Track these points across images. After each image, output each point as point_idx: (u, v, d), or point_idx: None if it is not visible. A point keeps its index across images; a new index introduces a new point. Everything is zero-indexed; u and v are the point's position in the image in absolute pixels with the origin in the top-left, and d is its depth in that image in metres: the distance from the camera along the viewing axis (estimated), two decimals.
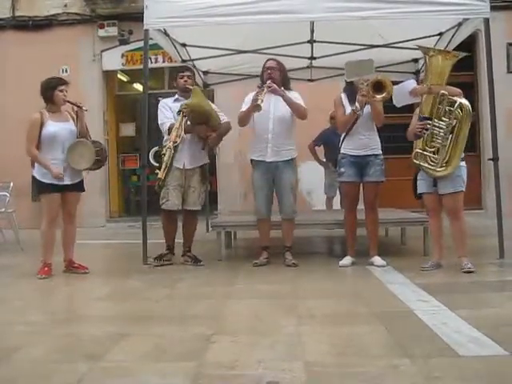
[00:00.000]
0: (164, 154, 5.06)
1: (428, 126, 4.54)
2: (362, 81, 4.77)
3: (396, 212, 6.51)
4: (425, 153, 4.61)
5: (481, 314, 3.35)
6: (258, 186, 5.26)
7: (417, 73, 7.78)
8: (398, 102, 4.80)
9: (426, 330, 3.02)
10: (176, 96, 5.41)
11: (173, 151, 5.05)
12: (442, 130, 4.52)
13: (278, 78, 5.15)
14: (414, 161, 4.67)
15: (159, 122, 5.33)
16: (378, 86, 4.71)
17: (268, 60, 5.35)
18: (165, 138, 5.34)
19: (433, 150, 4.58)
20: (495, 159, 5.25)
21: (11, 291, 4.56)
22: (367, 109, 4.88)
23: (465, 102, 4.49)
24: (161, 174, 5.02)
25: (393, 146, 9.37)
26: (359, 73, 4.82)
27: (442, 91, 4.46)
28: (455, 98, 4.48)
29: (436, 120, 4.53)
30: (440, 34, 6.39)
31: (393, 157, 8.43)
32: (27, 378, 2.52)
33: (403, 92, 4.70)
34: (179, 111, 5.11)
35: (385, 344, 2.82)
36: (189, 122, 5.14)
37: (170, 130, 5.16)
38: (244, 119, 5.16)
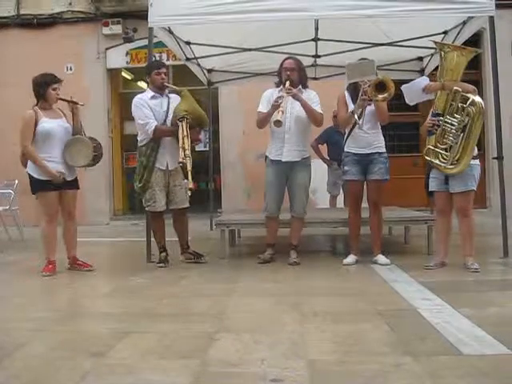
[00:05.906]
0: (184, 165, 4.84)
1: (439, 122, 4.48)
2: (365, 80, 4.75)
3: (399, 210, 6.50)
4: (436, 149, 4.53)
5: (484, 313, 3.35)
6: (270, 184, 5.25)
7: (421, 71, 7.76)
8: (411, 99, 4.74)
9: (430, 329, 3.02)
10: (152, 93, 5.14)
11: (190, 159, 4.87)
12: (453, 127, 4.44)
13: (296, 78, 5.08)
14: (426, 157, 4.61)
15: (140, 122, 5.04)
16: (381, 86, 4.68)
17: (286, 59, 5.21)
18: (142, 138, 5.10)
19: (444, 146, 4.50)
20: (500, 158, 5.24)
21: (15, 288, 4.58)
22: (371, 107, 4.86)
23: (478, 99, 4.42)
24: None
25: (397, 145, 9.41)
26: (361, 74, 4.77)
27: (455, 88, 4.40)
28: (468, 95, 4.41)
29: (448, 116, 4.46)
30: (445, 33, 6.38)
31: (396, 155, 8.46)
32: (30, 374, 2.53)
33: (415, 89, 4.63)
34: (181, 118, 4.94)
35: (388, 342, 2.82)
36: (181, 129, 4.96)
37: (155, 131, 4.98)
38: (264, 123, 5.11)
